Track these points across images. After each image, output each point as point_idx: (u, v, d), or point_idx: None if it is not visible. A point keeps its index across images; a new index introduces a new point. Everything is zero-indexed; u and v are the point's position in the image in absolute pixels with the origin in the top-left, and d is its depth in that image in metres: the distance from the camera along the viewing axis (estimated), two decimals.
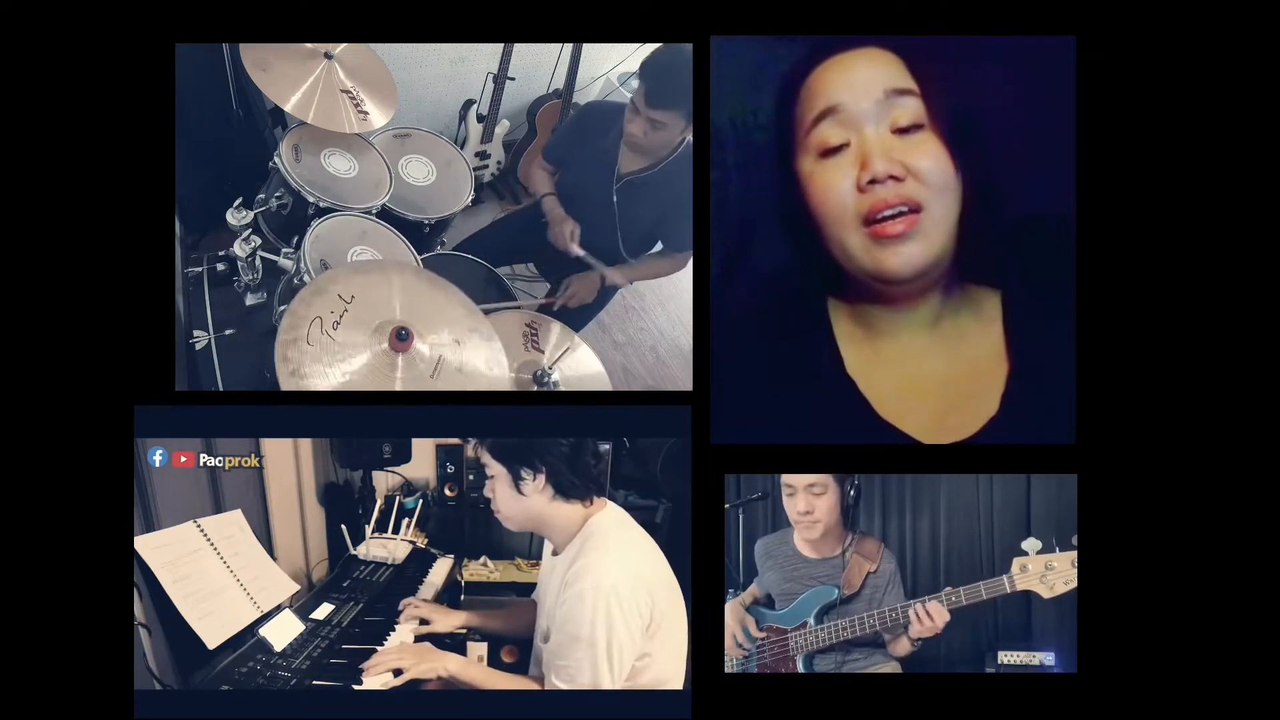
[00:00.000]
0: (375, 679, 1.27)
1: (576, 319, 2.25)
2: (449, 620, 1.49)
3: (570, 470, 1.29)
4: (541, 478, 1.28)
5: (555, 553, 1.33)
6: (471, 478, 2.19)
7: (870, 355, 1.29)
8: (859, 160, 1.18)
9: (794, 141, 1.24)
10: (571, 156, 2.27)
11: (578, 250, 2.18)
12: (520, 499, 1.29)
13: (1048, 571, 1.39)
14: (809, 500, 1.51)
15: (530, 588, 1.62)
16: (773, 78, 1.29)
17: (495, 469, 1.31)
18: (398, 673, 1.28)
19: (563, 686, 1.21)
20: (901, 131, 1.18)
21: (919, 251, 1.18)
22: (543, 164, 2.34)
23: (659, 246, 2.27)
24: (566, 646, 1.20)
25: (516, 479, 1.29)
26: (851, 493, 1.51)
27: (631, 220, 2.17)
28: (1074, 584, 1.38)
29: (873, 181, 1.17)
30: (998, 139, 1.22)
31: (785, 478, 1.52)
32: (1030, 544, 1.40)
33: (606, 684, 1.19)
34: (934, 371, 1.28)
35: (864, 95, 1.18)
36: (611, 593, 1.18)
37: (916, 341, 1.27)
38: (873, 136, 1.18)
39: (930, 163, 1.17)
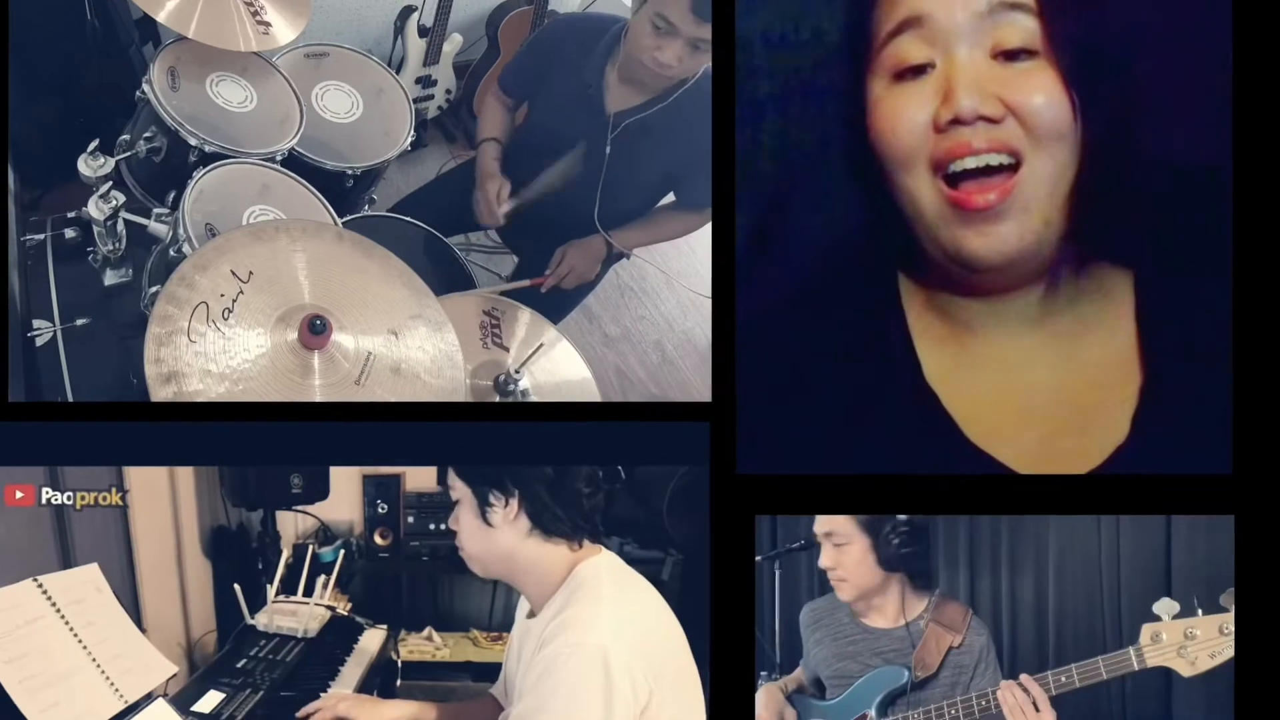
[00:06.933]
0: None
1: (560, 305, 2.25)
2: (380, 715, 1.49)
3: (552, 497, 1.29)
4: (514, 504, 1.28)
5: (532, 614, 1.33)
6: (411, 520, 2.19)
7: (957, 358, 1.29)
8: (942, 90, 1.18)
9: (864, 57, 1.24)
10: (538, 89, 2.26)
11: (503, 212, 2.18)
12: (487, 532, 1.30)
13: (1188, 641, 1.39)
14: (830, 554, 1.52)
15: (491, 670, 1.62)
16: None
17: (460, 490, 1.32)
18: None
19: None
20: (1007, 57, 1.18)
21: (1014, 233, 1.18)
22: (499, 95, 2.33)
23: (670, 198, 2.27)
24: (534, 716, 1.20)
25: (483, 504, 1.29)
26: (895, 540, 1.51)
27: (624, 179, 2.17)
28: (1224, 657, 1.39)
29: (956, 121, 1.17)
30: (1133, 70, 1.22)
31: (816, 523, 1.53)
32: (1164, 606, 1.41)
33: None
34: (1042, 382, 1.28)
35: (960, 4, 1.18)
36: (598, 654, 1.18)
37: (1020, 342, 1.28)
38: (965, 60, 1.18)
39: (1039, 100, 1.17)
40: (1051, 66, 1.18)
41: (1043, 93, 1.17)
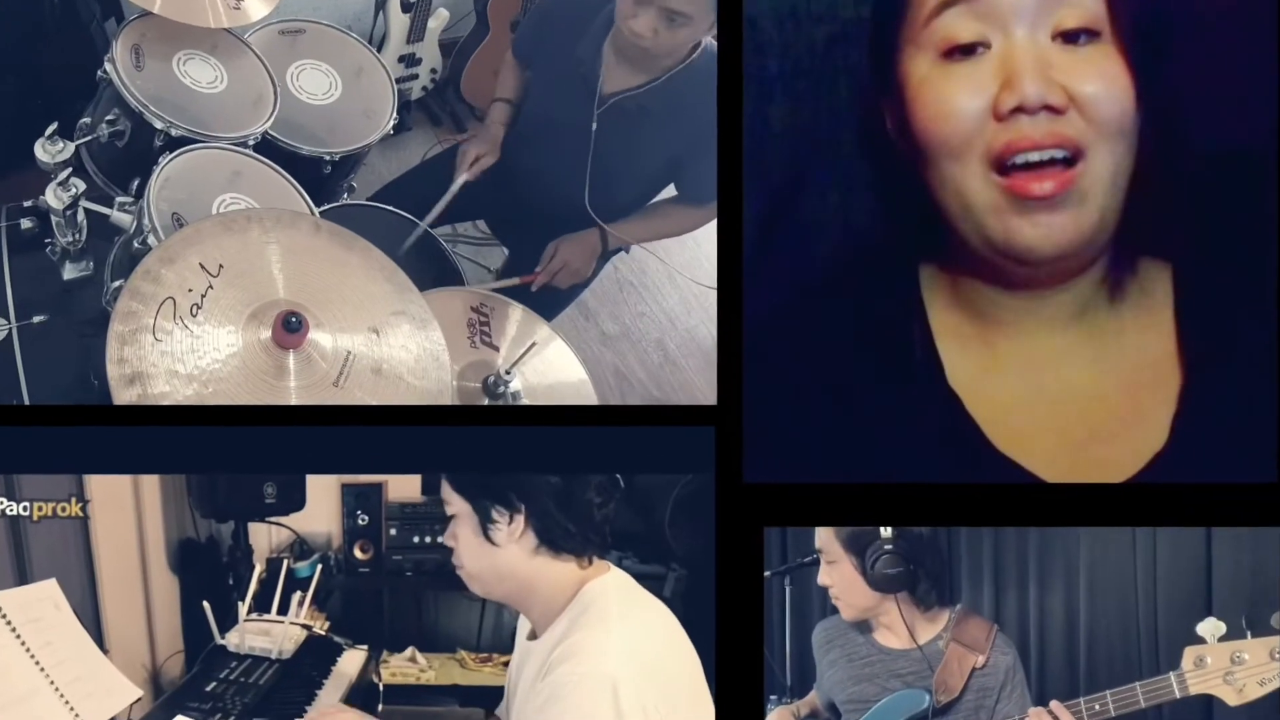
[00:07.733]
0: None
1: (554, 301, 2.24)
2: None
3: (561, 510, 1.29)
4: (519, 520, 1.28)
5: (534, 635, 1.33)
6: (393, 532, 2.19)
7: (982, 358, 1.29)
8: (1002, 74, 1.17)
9: (899, 32, 1.23)
10: (536, 61, 2.27)
11: (457, 181, 2.21)
12: (489, 550, 1.30)
13: (1235, 666, 1.39)
14: (825, 572, 1.52)
15: (479, 693, 1.62)
16: None
17: (457, 506, 1.31)
18: None
19: None
20: (1067, 39, 1.17)
21: (1070, 224, 1.18)
22: (513, 63, 2.34)
23: (670, 191, 2.27)
24: None
25: (485, 521, 1.29)
26: (879, 560, 1.49)
27: (619, 164, 2.17)
28: (1275, 684, 1.39)
29: (1019, 110, 1.16)
30: (1183, 47, 1.22)
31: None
32: (1209, 627, 1.41)
33: None
34: (1074, 384, 1.27)
35: None
36: (607, 684, 1.18)
37: (1052, 340, 1.27)
38: (1026, 42, 1.17)
39: (1103, 90, 1.17)
40: (1116, 50, 1.17)
41: (1107, 81, 1.17)
